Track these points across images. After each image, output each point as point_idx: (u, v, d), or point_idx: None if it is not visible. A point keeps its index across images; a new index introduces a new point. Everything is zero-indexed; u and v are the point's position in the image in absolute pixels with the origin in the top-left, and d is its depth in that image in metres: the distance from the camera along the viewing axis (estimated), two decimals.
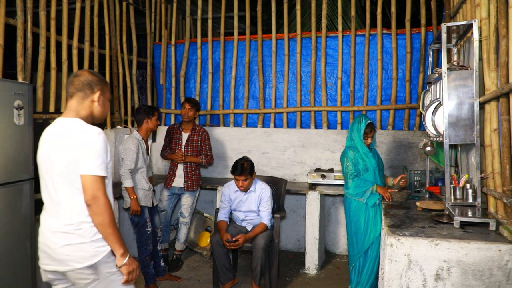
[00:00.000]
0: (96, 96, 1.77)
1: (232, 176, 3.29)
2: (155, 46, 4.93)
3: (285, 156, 4.39)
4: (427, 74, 3.71)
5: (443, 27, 2.40)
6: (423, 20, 4.03)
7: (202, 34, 4.72)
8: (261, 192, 3.30)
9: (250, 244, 3.20)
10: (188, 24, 4.80)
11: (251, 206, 3.32)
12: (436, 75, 2.66)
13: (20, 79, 2.96)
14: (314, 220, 3.75)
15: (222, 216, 3.37)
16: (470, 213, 2.22)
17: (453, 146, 2.94)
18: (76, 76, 1.76)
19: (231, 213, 3.46)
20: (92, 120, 1.79)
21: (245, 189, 3.28)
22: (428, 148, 2.91)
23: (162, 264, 3.51)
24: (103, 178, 1.66)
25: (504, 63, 2.06)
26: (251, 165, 3.25)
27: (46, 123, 3.34)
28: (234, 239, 3.10)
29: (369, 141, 3.14)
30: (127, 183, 3.09)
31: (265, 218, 3.25)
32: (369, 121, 3.12)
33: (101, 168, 1.65)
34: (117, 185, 3.75)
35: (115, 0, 4.30)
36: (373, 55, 4.21)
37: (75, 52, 3.69)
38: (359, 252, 3.13)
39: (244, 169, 3.17)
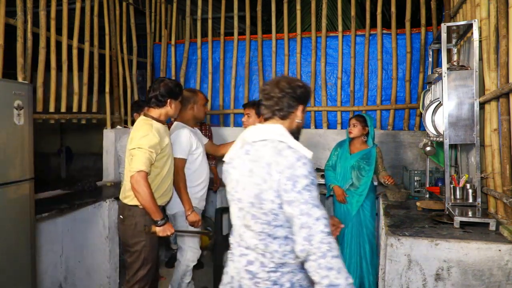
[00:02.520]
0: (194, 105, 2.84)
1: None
2: (155, 46, 4.93)
3: None
4: (427, 74, 3.70)
5: (443, 27, 2.40)
6: (423, 20, 4.03)
7: (202, 34, 4.72)
8: None
9: None
10: (188, 24, 4.80)
11: None
12: (436, 75, 2.66)
13: (20, 79, 2.96)
14: None
15: None
16: (470, 213, 2.22)
17: (453, 146, 2.94)
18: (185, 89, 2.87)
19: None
20: (194, 120, 2.90)
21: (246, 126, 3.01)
22: (428, 148, 2.91)
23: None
24: (181, 160, 2.66)
25: (504, 63, 2.06)
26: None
27: (46, 123, 3.35)
28: None
29: (352, 131, 3.21)
30: None
31: None
32: (358, 114, 3.36)
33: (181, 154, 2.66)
34: (117, 184, 3.76)
35: (115, 0, 4.30)
36: (373, 55, 4.21)
37: (75, 52, 3.69)
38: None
39: (251, 103, 3.01)
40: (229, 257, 1.53)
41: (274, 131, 1.43)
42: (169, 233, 2.30)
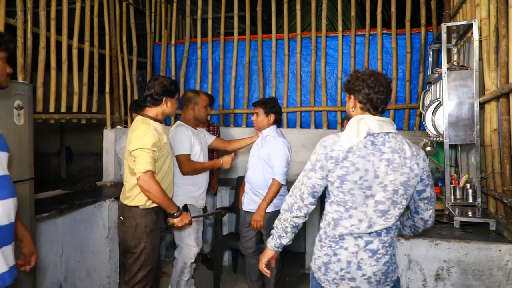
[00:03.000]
0: (193, 106, 2.92)
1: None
2: (155, 46, 4.93)
3: None
4: (427, 74, 3.70)
5: (443, 27, 2.40)
6: (423, 20, 4.03)
7: (202, 34, 4.72)
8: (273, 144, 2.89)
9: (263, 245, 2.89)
10: (188, 24, 4.80)
11: (260, 154, 2.90)
12: (436, 75, 2.66)
13: (20, 79, 2.96)
14: (314, 220, 3.75)
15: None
16: (470, 213, 2.22)
17: (453, 146, 2.94)
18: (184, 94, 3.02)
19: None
20: (195, 120, 2.96)
21: (257, 127, 2.95)
22: (428, 148, 2.91)
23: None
24: (185, 155, 2.75)
25: (504, 63, 2.06)
26: (272, 103, 2.92)
27: (46, 123, 3.35)
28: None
29: None
30: None
31: (276, 172, 2.76)
32: None
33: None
34: (117, 184, 3.76)
35: (115, 0, 4.30)
36: (373, 55, 4.21)
37: (75, 52, 3.69)
38: None
39: (260, 102, 2.93)
40: (335, 247, 1.55)
41: (391, 124, 1.56)
42: (186, 221, 2.38)
